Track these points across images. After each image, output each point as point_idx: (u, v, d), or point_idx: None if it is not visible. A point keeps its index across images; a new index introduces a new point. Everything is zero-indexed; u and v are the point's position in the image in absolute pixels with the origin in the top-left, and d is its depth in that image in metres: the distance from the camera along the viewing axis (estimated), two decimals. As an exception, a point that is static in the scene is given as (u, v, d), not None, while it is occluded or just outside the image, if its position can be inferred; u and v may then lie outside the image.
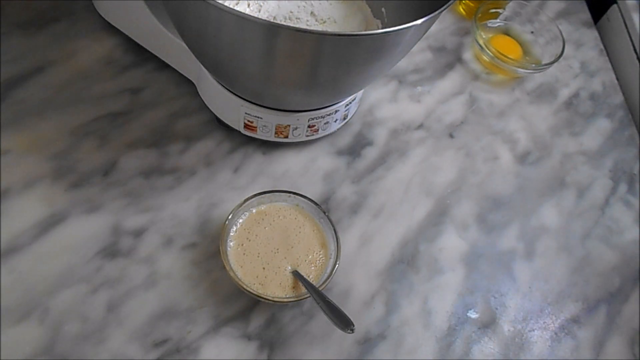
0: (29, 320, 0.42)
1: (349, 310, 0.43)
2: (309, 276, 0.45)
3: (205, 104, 0.55)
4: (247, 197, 0.47)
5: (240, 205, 0.46)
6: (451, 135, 0.63)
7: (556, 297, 0.53)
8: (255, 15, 0.42)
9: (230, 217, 0.45)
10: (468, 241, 0.54)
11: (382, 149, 0.59)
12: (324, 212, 0.47)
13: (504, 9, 0.73)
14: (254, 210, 0.48)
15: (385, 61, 0.44)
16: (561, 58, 0.66)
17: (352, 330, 0.41)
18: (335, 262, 0.45)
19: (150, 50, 0.58)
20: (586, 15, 0.82)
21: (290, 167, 0.55)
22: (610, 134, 0.68)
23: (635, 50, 0.75)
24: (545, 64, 0.66)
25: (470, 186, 0.59)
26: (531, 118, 0.67)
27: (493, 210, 0.57)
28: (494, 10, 0.72)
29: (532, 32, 0.72)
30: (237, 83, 0.48)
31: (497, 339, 0.49)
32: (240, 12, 0.35)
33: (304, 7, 0.57)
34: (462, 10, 0.76)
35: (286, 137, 0.53)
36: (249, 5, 0.56)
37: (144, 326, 0.44)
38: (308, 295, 0.43)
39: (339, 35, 0.38)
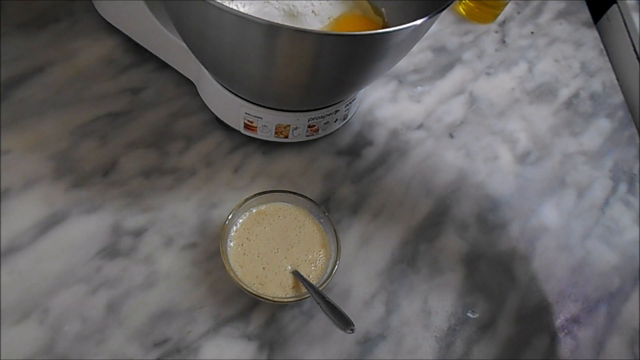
0: (29, 320, 0.42)
1: (349, 310, 0.43)
2: (309, 276, 0.45)
3: (205, 104, 0.55)
4: (247, 197, 0.46)
5: (240, 205, 0.46)
6: (451, 135, 0.63)
7: (556, 297, 0.53)
8: (255, 15, 0.42)
9: (230, 217, 0.45)
10: (468, 241, 0.54)
11: (382, 149, 0.59)
12: (324, 212, 0.47)
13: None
14: (254, 210, 0.48)
15: (385, 61, 0.44)
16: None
17: (352, 330, 0.41)
18: (335, 262, 0.45)
19: (150, 50, 0.58)
20: (586, 15, 0.82)
21: (290, 167, 0.55)
22: (610, 134, 0.68)
23: (635, 50, 0.75)
24: None
25: (470, 186, 0.59)
26: (531, 118, 0.67)
27: (493, 210, 0.57)
28: None
29: None
30: (237, 83, 0.48)
31: (497, 339, 0.49)
32: (240, 12, 0.35)
33: (304, 7, 0.57)
34: (462, 10, 0.76)
35: (286, 137, 0.53)
36: (248, 5, 0.56)
37: (144, 326, 0.44)
38: (308, 295, 0.43)
39: (339, 35, 0.38)
